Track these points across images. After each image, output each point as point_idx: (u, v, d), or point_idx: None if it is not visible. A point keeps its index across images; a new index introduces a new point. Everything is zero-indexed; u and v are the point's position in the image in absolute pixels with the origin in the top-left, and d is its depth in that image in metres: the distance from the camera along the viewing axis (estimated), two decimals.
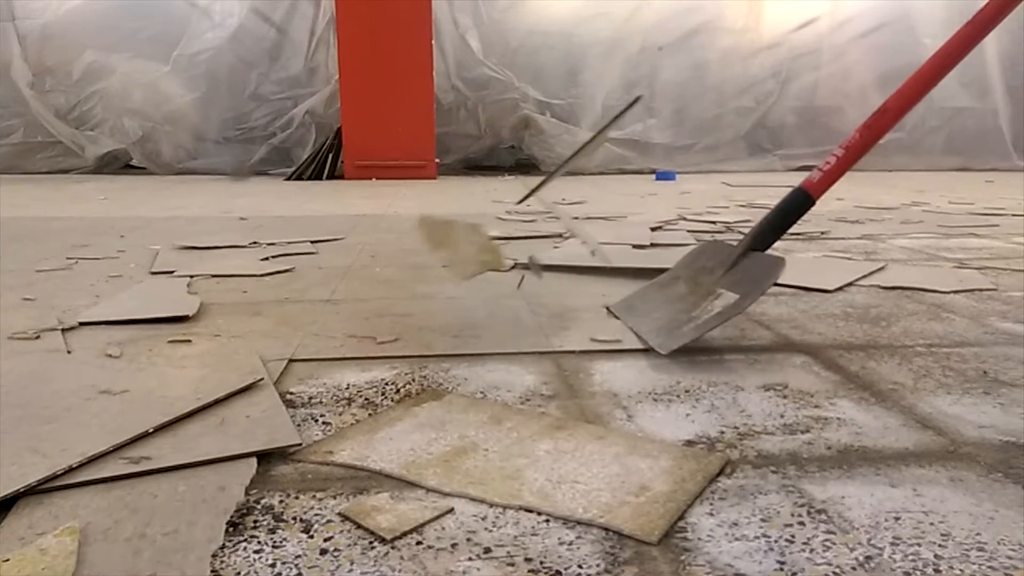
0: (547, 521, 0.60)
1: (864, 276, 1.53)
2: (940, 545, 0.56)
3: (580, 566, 0.54)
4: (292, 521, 0.60)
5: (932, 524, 0.59)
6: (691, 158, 4.87)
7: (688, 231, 2.14)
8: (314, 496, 0.64)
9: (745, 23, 4.91)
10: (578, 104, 4.79)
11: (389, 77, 4.19)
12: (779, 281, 1.48)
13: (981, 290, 1.43)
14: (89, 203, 2.99)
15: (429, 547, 0.56)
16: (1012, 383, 0.92)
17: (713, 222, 2.36)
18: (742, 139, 4.99)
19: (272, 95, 4.64)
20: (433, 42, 4.27)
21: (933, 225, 2.37)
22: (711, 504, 0.62)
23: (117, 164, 4.73)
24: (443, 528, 0.59)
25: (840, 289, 1.43)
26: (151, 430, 0.72)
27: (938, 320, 1.21)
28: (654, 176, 4.43)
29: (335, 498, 0.64)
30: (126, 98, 4.55)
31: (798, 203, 1.17)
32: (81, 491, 0.63)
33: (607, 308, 1.26)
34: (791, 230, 2.23)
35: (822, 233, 2.15)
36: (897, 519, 0.60)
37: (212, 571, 0.53)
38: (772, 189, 3.57)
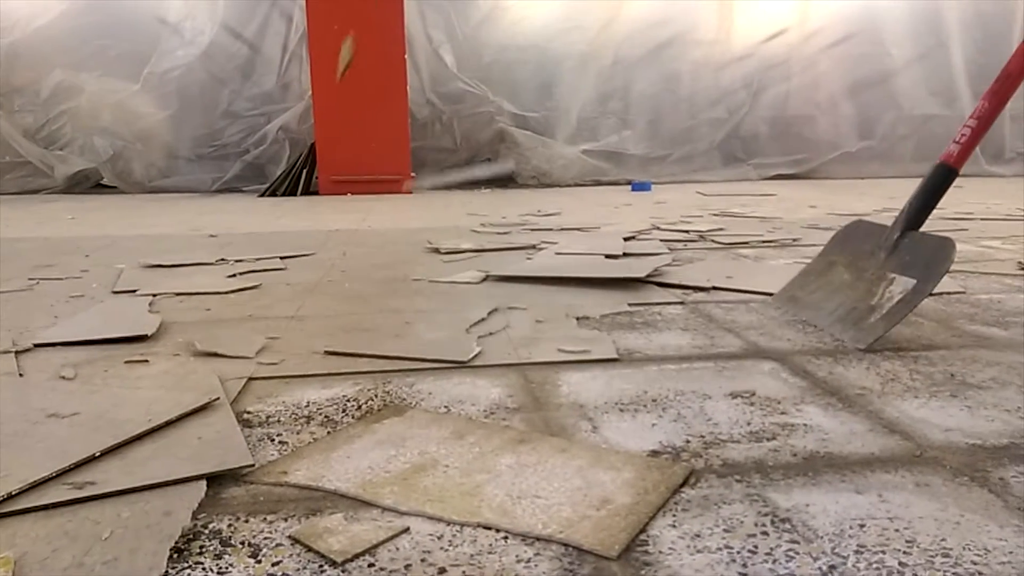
0: (505, 538, 0.58)
1: None
2: (905, 552, 0.55)
3: None
4: (240, 546, 0.58)
5: (897, 531, 0.58)
6: (666, 168, 4.90)
7: (661, 240, 2.14)
8: (264, 519, 0.62)
9: (715, 35, 4.95)
10: (553, 116, 4.80)
11: (363, 92, 4.17)
12: (747, 288, 1.48)
13: (949, 293, 1.44)
14: (56, 223, 2.94)
15: (381, 569, 0.54)
16: (979, 385, 0.92)
17: (687, 231, 2.36)
18: (716, 149, 5.02)
19: (245, 111, 4.60)
20: (407, 57, 4.27)
21: None
22: (674, 515, 0.61)
23: (88, 183, 4.67)
24: (397, 549, 0.57)
25: None
26: (97, 454, 0.70)
27: (906, 324, 1.21)
28: (630, 187, 4.44)
29: (286, 520, 0.61)
30: (96, 117, 4.50)
31: (943, 176, 1.21)
32: (21, 519, 0.61)
33: (772, 303, 1.32)
34: (764, 239, 2.23)
35: (794, 240, 2.15)
36: (862, 526, 0.59)
37: None
38: (747, 198, 3.59)
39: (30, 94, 4.55)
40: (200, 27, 4.48)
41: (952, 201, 3.34)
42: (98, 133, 4.54)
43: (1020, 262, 1.75)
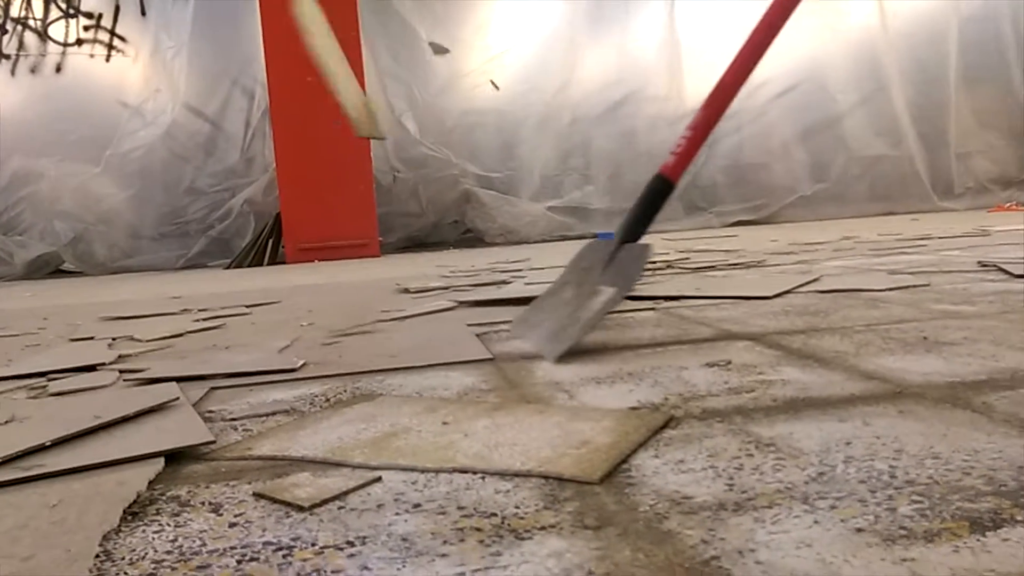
0: (483, 478, 0.55)
1: (801, 285, 1.55)
2: (894, 459, 0.54)
3: (517, 507, 0.49)
4: (200, 505, 0.54)
5: (884, 444, 0.57)
6: None
7: None
8: (227, 484, 0.58)
9: (667, 92, 5.13)
10: (516, 176, 4.88)
11: (326, 162, 4.22)
12: (716, 294, 1.49)
13: (915, 286, 1.45)
14: (13, 300, 2.87)
15: (352, 510, 0.51)
16: (953, 343, 0.91)
17: (655, 263, 2.37)
18: (678, 200, 5.12)
19: (208, 188, 4.62)
20: None
21: (864, 250, 2.43)
22: (656, 450, 0.59)
23: (48, 268, 4.60)
24: (369, 494, 0.54)
25: (779, 296, 1.43)
26: (48, 443, 0.66)
27: (876, 308, 1.22)
28: (596, 238, 4.49)
29: (250, 483, 0.58)
30: (56, 201, 4.48)
31: (660, 189, 1.20)
32: None
33: (509, 330, 1.20)
34: (731, 263, 2.26)
35: (759, 262, 2.18)
36: (848, 444, 0.57)
37: (103, 551, 0.47)
38: (711, 239, 3.65)
39: None
40: (161, 107, 4.53)
41: (910, 229, 3.43)
42: (58, 217, 4.51)
43: (980, 261, 1.78)
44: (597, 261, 1.17)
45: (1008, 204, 4.93)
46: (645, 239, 1.19)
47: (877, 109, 5.15)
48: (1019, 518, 0.43)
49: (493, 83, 4.44)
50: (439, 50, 1.63)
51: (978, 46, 5.21)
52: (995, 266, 1.64)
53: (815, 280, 1.62)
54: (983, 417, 0.62)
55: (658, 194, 1.17)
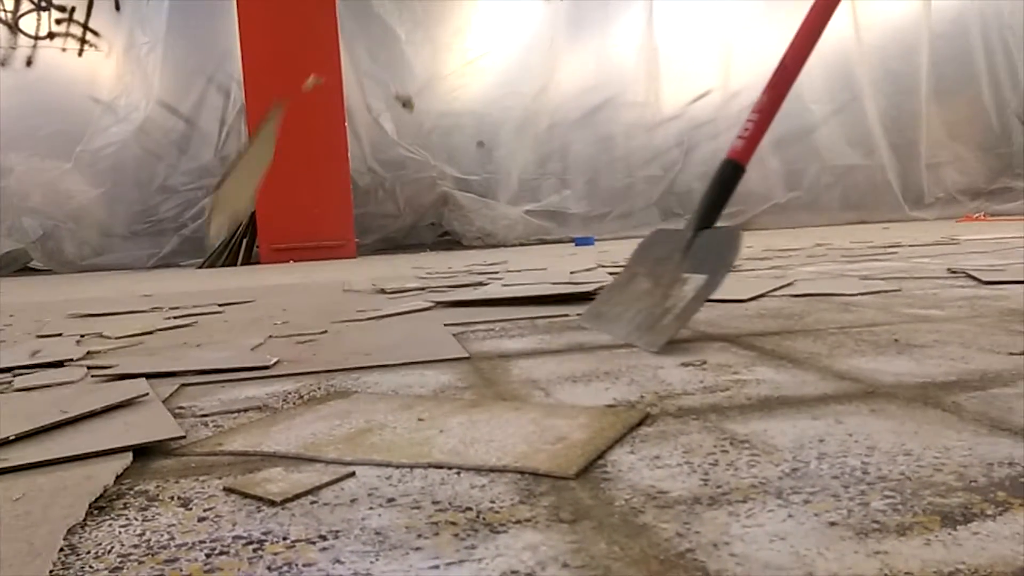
0: (458, 473, 0.55)
1: (775, 289, 1.56)
2: (866, 456, 0.54)
3: (492, 502, 0.49)
4: (168, 500, 0.53)
5: (856, 441, 0.57)
6: (607, 226, 5.00)
7: (607, 273, 2.16)
8: (197, 479, 0.57)
9: (645, 98, 5.16)
10: (494, 179, 4.88)
11: (303, 162, 4.17)
12: None
13: (886, 291, 1.47)
14: None
15: (325, 504, 0.50)
16: (924, 345, 0.93)
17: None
18: (654, 205, 5.16)
19: (182, 186, 4.56)
20: (347, 126, 4.31)
21: (837, 257, 2.46)
22: (631, 446, 0.59)
23: (15, 266, 4.51)
24: (342, 489, 0.53)
25: (754, 299, 1.45)
26: (12, 437, 0.64)
27: (848, 312, 1.23)
28: (573, 243, 4.51)
29: (221, 479, 0.57)
30: (25, 197, 4.39)
31: (730, 173, 1.17)
32: None
33: (579, 322, 1.22)
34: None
35: (734, 267, 2.19)
36: (821, 441, 0.58)
37: (68, 544, 0.45)
38: None
39: None
40: (134, 103, 4.46)
41: (881, 237, 3.48)
42: (27, 213, 4.42)
43: (950, 268, 1.81)
44: (673, 250, 1.15)
45: (976, 215, 5.02)
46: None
47: (850, 119, 5.23)
48: (989, 513, 0.43)
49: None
50: (407, 102, 1.59)
51: (949, 60, 5.31)
52: (964, 273, 1.67)
53: (789, 284, 1.64)
54: (953, 416, 0.63)
55: (729, 178, 1.16)
